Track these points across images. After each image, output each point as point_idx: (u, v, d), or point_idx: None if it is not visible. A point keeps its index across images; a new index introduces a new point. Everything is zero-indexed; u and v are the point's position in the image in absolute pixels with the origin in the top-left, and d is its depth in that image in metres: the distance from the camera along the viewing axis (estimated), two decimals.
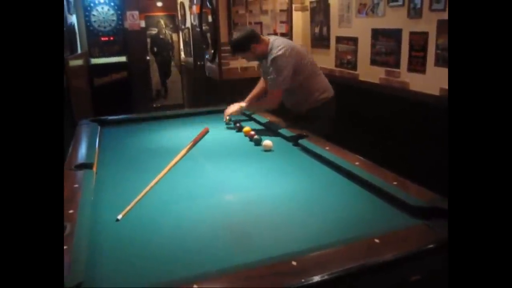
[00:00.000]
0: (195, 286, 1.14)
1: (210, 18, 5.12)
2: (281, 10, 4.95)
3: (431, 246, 1.35)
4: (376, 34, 3.74)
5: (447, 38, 2.95)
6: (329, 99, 3.28)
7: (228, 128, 3.11)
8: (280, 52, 2.99)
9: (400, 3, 3.38)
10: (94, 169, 2.19)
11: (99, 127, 3.08)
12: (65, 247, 1.34)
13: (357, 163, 2.09)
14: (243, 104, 3.21)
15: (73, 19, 6.63)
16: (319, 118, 3.19)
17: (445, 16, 2.96)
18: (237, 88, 4.69)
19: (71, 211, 1.61)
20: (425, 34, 3.17)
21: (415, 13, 3.24)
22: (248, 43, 3.06)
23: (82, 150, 2.49)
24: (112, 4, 7.32)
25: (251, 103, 3.28)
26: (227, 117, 3.17)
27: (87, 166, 2.18)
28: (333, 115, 3.31)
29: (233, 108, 3.17)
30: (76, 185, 1.90)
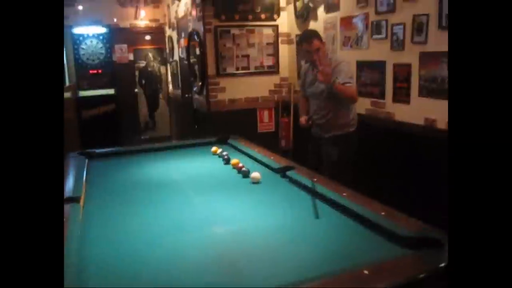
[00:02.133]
0: None
1: (197, 51, 5.19)
2: (267, 43, 5.05)
3: (421, 276, 1.35)
4: (361, 66, 3.82)
5: (429, 70, 3.02)
6: (355, 128, 3.45)
7: (218, 158, 3.10)
8: (343, 59, 3.37)
9: (383, 35, 3.47)
10: (81, 203, 2.17)
11: (86, 160, 3.06)
12: None
13: (344, 194, 2.10)
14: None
15: None
16: (345, 145, 3.37)
17: (426, 48, 3.04)
18: (224, 119, 4.73)
19: None
20: (408, 66, 3.24)
21: (397, 45, 3.32)
22: (321, 39, 3.35)
23: (69, 184, 2.46)
24: (101, 37, 7.41)
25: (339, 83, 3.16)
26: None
27: (74, 200, 2.16)
28: (356, 142, 3.44)
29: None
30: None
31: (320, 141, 3.48)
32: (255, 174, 2.51)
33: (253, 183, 2.48)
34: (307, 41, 3.33)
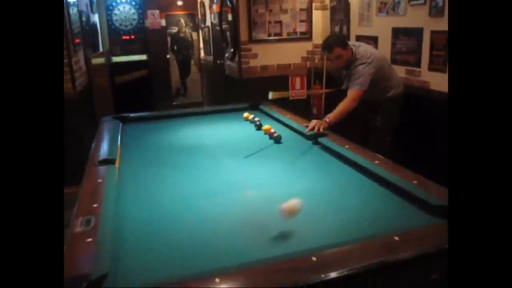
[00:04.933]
0: (216, 279, 1.17)
1: (230, 17, 5.15)
2: (301, 9, 4.96)
3: None
4: (397, 33, 3.72)
5: None
6: (398, 95, 3.46)
7: (250, 123, 3.11)
8: (364, 60, 3.22)
9: (421, 1, 3.36)
10: (117, 164, 2.23)
11: (120, 124, 3.13)
12: (90, 239, 1.39)
13: (376, 161, 2.09)
14: (327, 119, 2.98)
15: (95, 18, 6.73)
16: (388, 110, 3.44)
17: None
18: (256, 86, 4.72)
19: (95, 205, 1.65)
20: (446, 33, 3.14)
21: (436, 11, 3.21)
22: (347, 43, 3.28)
23: (105, 146, 2.53)
24: (133, 3, 7.41)
25: (332, 115, 3.04)
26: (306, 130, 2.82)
27: (109, 161, 2.22)
28: (400, 107, 3.47)
29: (320, 123, 2.83)
30: (100, 180, 1.94)
31: (363, 106, 3.42)
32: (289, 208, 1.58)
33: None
34: (327, 50, 3.28)
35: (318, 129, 2.73)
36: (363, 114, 3.49)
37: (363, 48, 3.32)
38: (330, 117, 2.98)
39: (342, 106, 3.13)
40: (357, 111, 3.23)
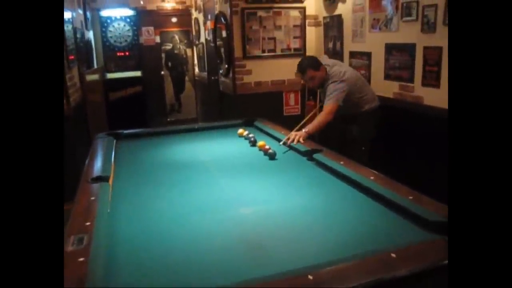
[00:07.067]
0: None
1: (224, 34, 5.17)
2: (294, 26, 4.99)
3: (447, 261, 1.33)
4: (390, 48, 3.75)
5: None
6: (373, 109, 3.64)
7: (245, 140, 3.11)
8: (336, 79, 3.44)
9: (413, 17, 3.39)
10: (110, 182, 2.21)
11: (114, 141, 3.11)
12: (82, 258, 1.36)
13: (372, 177, 2.08)
14: (306, 129, 3.15)
15: (90, 35, 6.75)
16: (364, 122, 3.62)
17: None
18: (251, 102, 4.73)
19: (88, 223, 1.63)
20: (439, 49, 3.17)
21: (428, 27, 3.24)
22: (319, 64, 3.50)
23: (98, 163, 2.51)
24: (128, 20, 7.45)
25: (310, 126, 3.24)
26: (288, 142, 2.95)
27: (103, 179, 2.20)
28: (377, 121, 3.66)
29: (299, 134, 2.98)
30: (93, 198, 1.92)
31: (341, 118, 3.63)
32: None
33: None
34: (301, 72, 3.57)
35: (298, 141, 2.87)
36: (339, 126, 3.69)
37: (337, 68, 3.53)
38: (309, 128, 3.17)
39: (319, 119, 3.37)
40: (335, 124, 3.44)
